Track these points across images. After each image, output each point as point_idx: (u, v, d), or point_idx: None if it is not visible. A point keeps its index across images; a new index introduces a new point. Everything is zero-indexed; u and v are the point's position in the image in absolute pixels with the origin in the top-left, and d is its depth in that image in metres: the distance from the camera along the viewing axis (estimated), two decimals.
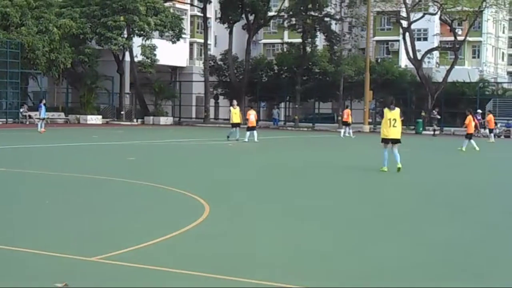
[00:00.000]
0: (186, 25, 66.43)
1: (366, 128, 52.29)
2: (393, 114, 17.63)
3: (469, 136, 30.04)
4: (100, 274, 6.80)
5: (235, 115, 33.28)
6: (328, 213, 11.30)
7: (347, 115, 42.14)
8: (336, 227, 9.92)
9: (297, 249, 8.25)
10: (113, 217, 10.28)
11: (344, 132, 41.20)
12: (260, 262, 7.52)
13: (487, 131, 49.01)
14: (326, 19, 57.85)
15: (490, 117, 40.91)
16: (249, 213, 10.99)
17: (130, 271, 6.88)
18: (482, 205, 12.79)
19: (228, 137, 32.95)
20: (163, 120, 58.42)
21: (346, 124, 41.82)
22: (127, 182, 14.70)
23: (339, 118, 55.42)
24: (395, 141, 17.85)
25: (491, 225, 10.50)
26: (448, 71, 55.40)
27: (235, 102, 35.73)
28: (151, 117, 58.31)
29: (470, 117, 30.47)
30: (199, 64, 70.09)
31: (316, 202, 12.61)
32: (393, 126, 17.63)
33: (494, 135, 48.11)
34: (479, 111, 50.26)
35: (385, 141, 17.92)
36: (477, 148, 29.13)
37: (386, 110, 17.94)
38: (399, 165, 17.58)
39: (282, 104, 65.88)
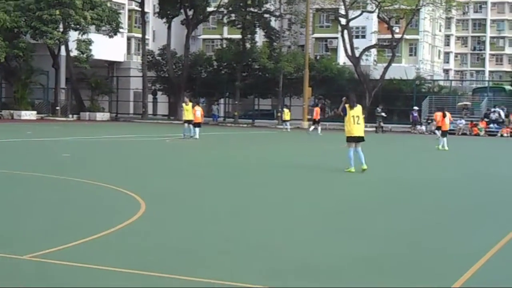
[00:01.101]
0: (124, 19, 65.39)
1: (305, 124, 52.37)
2: (356, 111, 16.94)
3: (444, 134, 29.36)
4: (33, 272, 6.61)
5: (187, 111, 32.31)
6: (270, 210, 11.12)
7: (317, 113, 43.08)
8: (280, 224, 9.72)
9: (238, 246, 8.06)
10: (46, 215, 9.94)
11: (314, 129, 42.15)
12: (197, 259, 7.33)
13: (423, 127, 49.86)
14: (266, 15, 57.79)
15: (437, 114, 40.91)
16: (186, 210, 10.79)
17: (62, 269, 6.68)
18: (416, 200, 12.75)
19: (184, 135, 31.90)
20: (99, 116, 57.50)
21: (315, 121, 42.82)
22: (61, 179, 14.22)
23: (279, 114, 55.59)
24: (360, 139, 17.09)
25: (430, 219, 10.46)
26: (386, 69, 55.94)
27: (187, 98, 34.71)
28: (87, 113, 57.31)
29: (441, 114, 30.31)
30: (137, 59, 69.14)
31: (260, 199, 12.45)
32: (357, 123, 16.91)
33: (431, 132, 48.87)
34: (416, 108, 50.92)
35: (351, 139, 17.01)
36: (440, 148, 28.62)
37: (348, 107, 17.01)
38: (365, 166, 16.85)
39: (222, 100, 65.59)
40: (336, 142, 32.89)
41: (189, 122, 31.58)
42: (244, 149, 27.74)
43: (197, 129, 31.31)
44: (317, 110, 43.76)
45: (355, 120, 16.85)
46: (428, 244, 8.60)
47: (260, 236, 8.78)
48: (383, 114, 50.09)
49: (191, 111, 31.74)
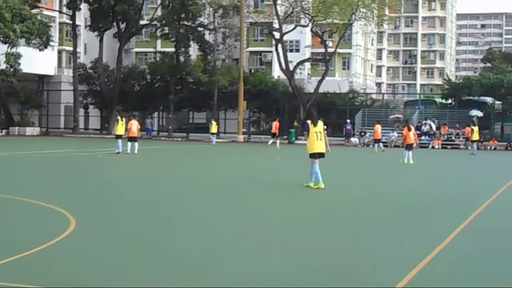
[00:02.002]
0: (55, 32, 64.19)
1: (240, 138, 52.31)
2: (318, 127, 16.54)
3: (409, 147, 28.87)
4: None
5: (121, 126, 31.42)
6: (196, 223, 10.97)
7: (275, 127, 44.34)
8: (206, 237, 9.54)
9: (166, 260, 7.90)
10: None
11: (273, 143, 43.09)
12: (128, 274, 7.22)
13: (356, 139, 50.31)
14: (200, 29, 57.53)
15: (377, 127, 41.28)
16: (116, 226, 10.54)
17: None
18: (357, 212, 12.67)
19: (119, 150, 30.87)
20: (29, 130, 56.20)
21: (274, 135, 44.16)
22: None
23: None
24: (321, 156, 16.65)
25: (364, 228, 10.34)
26: (319, 82, 56.30)
27: (119, 116, 33.53)
28: (17, 128, 55.97)
29: (406, 129, 29.84)
30: (68, 73, 67.91)
31: (188, 212, 12.22)
32: (320, 139, 16.50)
33: (364, 144, 49.39)
34: (348, 121, 51.36)
35: (314, 155, 16.52)
36: (406, 161, 28.14)
37: (310, 123, 16.59)
38: (311, 184, 16.53)
39: (156, 114, 64.94)
40: (273, 155, 32.97)
41: (119, 137, 30.79)
42: (174, 164, 27.33)
43: (136, 144, 30.67)
44: (276, 124, 44.77)
45: (318, 136, 16.49)
46: (367, 251, 8.57)
47: (193, 250, 8.56)
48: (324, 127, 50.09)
49: (122, 126, 30.99)
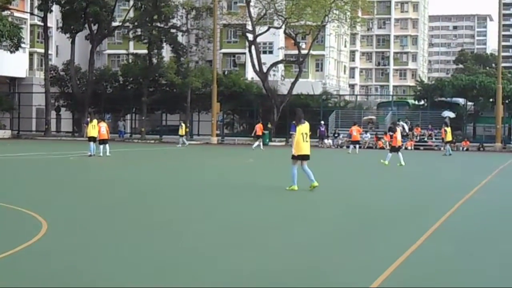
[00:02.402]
0: (26, 34, 63.61)
1: (214, 140, 52.23)
2: (305, 128, 16.19)
3: (395, 149, 28.34)
4: None
5: (93, 128, 31.06)
6: (167, 226, 10.89)
7: (259, 129, 44.37)
8: (182, 240, 9.44)
9: (138, 264, 7.76)
10: None
11: (258, 145, 42.69)
12: (101, 279, 7.11)
13: (330, 141, 50.44)
14: (173, 30, 57.31)
15: (353, 129, 41.30)
16: (89, 229, 10.41)
17: None
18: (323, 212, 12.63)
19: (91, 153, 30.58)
20: (0, 133, 55.58)
21: (258, 137, 44.11)
22: None
23: (187, 130, 55.11)
24: (307, 157, 16.26)
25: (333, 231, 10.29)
26: (293, 84, 56.39)
27: (88, 118, 33.18)
28: None
29: (398, 129, 29.37)
30: (39, 75, 67.30)
31: (159, 216, 12.13)
32: (306, 140, 16.12)
33: (338, 146, 49.52)
34: (322, 122, 51.46)
35: (298, 157, 16.15)
36: (403, 163, 27.27)
37: (296, 124, 16.19)
38: (315, 183, 16.08)
39: (128, 116, 64.60)
40: (245, 157, 32.94)
41: (93, 139, 30.52)
42: (146, 167, 27.15)
43: (107, 146, 30.42)
44: (259, 126, 44.70)
45: (304, 138, 16.10)
46: (336, 254, 8.53)
47: (165, 252, 8.49)
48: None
49: (93, 128, 30.65)
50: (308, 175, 16.17)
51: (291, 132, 16.52)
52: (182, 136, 46.73)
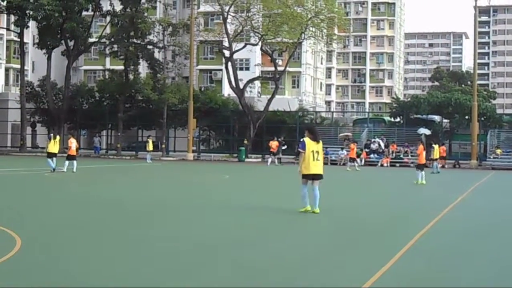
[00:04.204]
0: (2, 50, 63.38)
1: (190, 156, 52.07)
2: (317, 146, 15.05)
3: (421, 167, 27.85)
4: None
5: (53, 144, 30.84)
6: (138, 243, 10.68)
7: (275, 146, 46.30)
8: (149, 256, 9.27)
9: (114, 278, 7.68)
10: None
11: (272, 161, 45.42)
12: None
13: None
14: (149, 47, 57.23)
15: (352, 146, 41.35)
16: (64, 245, 10.31)
17: None
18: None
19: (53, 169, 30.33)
20: None
21: (273, 153, 46.25)
22: None
23: (163, 146, 55.03)
24: (318, 177, 15.12)
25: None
26: (269, 100, 56.49)
27: (51, 134, 32.97)
28: None
29: (421, 146, 28.64)
30: (15, 91, 66.95)
31: (132, 233, 11.94)
32: (317, 159, 14.95)
33: None
34: (302, 140, 51.36)
35: (307, 177, 15.07)
36: (424, 182, 27.12)
37: (307, 140, 15.01)
38: (317, 210, 14.90)
39: (104, 132, 64.29)
40: (221, 173, 32.85)
41: (53, 155, 30.14)
42: (119, 183, 26.96)
43: (74, 162, 30.13)
44: (275, 143, 46.43)
45: (315, 156, 14.95)
46: (316, 268, 8.46)
47: (139, 271, 8.37)
48: (284, 146, 49.70)
49: (56, 145, 30.38)
50: (314, 199, 15.00)
51: (298, 150, 15.63)
52: (149, 151, 46.74)
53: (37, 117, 62.16)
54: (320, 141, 15.26)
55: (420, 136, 48.53)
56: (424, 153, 28.53)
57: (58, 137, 31.23)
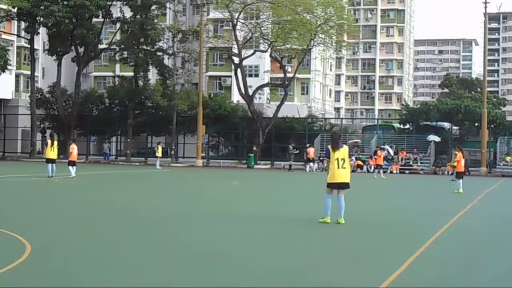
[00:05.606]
0: (12, 56, 63.57)
1: (199, 162, 52.12)
2: (341, 153, 14.62)
3: (460, 175, 26.89)
4: None
5: (51, 150, 30.82)
6: (147, 250, 10.71)
7: (313, 152, 46.86)
8: (161, 261, 9.33)
9: (129, 284, 7.62)
10: None
11: (311, 169, 46.24)
12: None
13: (315, 165, 50.38)
14: (159, 53, 57.35)
15: (379, 153, 41.27)
16: (75, 251, 10.36)
17: None
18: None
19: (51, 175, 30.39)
20: None
21: (310, 160, 46.81)
22: None
23: (172, 152, 55.14)
24: (343, 186, 14.70)
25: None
26: (278, 107, 56.48)
27: (48, 139, 33.00)
28: None
29: (460, 154, 27.55)
30: (25, 97, 67.17)
31: (136, 239, 12.00)
32: (342, 167, 14.53)
33: (323, 169, 49.41)
34: (308, 145, 51.45)
35: (332, 186, 14.69)
36: (461, 191, 26.21)
37: (331, 149, 14.76)
38: (342, 221, 14.53)
39: (114, 138, 64.43)
40: (231, 179, 32.84)
41: (51, 161, 30.25)
42: (129, 189, 27.01)
43: (73, 168, 30.22)
44: (313, 150, 47.30)
45: (340, 164, 14.55)
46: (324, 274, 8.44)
47: (149, 278, 8.38)
48: (295, 151, 49.76)
49: (53, 150, 30.44)
50: (340, 209, 14.64)
51: (323, 157, 15.60)
52: (158, 158, 46.98)
53: (47, 123, 62.33)
54: (345, 147, 14.89)
55: (429, 143, 48.43)
56: (463, 161, 27.63)
57: (55, 142, 31.22)
